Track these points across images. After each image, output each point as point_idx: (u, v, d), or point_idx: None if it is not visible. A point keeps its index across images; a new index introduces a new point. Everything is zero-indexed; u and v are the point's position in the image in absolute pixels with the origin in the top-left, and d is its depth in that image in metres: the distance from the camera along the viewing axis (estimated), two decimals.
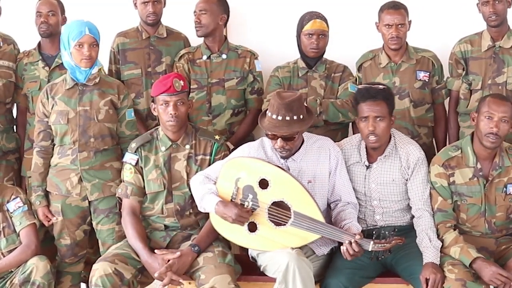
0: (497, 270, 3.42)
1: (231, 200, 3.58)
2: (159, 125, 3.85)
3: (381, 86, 3.70)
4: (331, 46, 4.30)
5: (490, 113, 3.56)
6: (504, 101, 3.60)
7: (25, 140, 4.47)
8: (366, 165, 3.77)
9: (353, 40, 4.65)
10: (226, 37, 4.50)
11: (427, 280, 3.45)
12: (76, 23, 3.86)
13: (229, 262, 3.59)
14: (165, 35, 4.50)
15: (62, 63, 4.31)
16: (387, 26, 4.12)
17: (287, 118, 3.51)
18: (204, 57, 4.43)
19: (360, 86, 3.78)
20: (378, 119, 3.64)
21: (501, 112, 3.55)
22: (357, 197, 3.78)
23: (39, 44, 4.48)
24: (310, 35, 4.18)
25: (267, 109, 3.62)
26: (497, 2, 4.06)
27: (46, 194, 4.00)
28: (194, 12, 4.38)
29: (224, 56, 4.44)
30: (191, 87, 4.38)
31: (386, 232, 3.43)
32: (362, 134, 3.72)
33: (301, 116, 3.54)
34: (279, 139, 3.55)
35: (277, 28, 4.71)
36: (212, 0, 4.38)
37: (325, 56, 4.29)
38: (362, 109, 3.66)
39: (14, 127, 4.55)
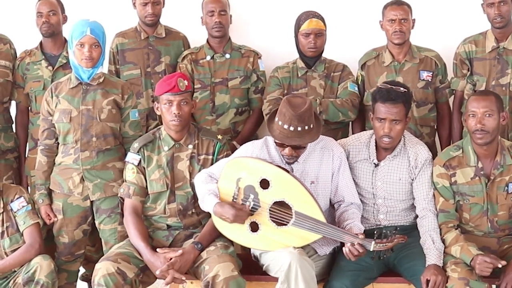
0: (482, 258, 3.40)
1: (233, 199, 3.58)
2: (160, 125, 3.86)
3: (402, 89, 3.66)
4: (331, 45, 4.30)
5: (472, 111, 3.59)
6: (485, 96, 3.62)
7: (29, 139, 4.48)
8: (374, 163, 3.76)
9: (353, 39, 4.65)
10: (229, 37, 4.50)
11: (428, 281, 3.45)
12: (80, 23, 3.87)
13: (231, 253, 3.62)
14: (164, 35, 4.51)
15: (65, 63, 4.36)
16: (390, 21, 4.14)
17: (299, 129, 3.50)
18: (208, 57, 4.44)
19: (381, 85, 3.72)
20: (395, 122, 3.63)
21: (482, 107, 3.56)
22: (362, 195, 3.78)
23: (40, 44, 4.49)
24: (307, 35, 4.18)
25: (274, 114, 3.61)
26: (502, 4, 4.06)
27: (50, 193, 4.01)
28: (211, 12, 4.35)
29: (227, 55, 4.45)
30: (195, 87, 4.39)
31: (388, 232, 3.43)
32: (376, 134, 3.71)
33: (312, 126, 3.54)
34: (288, 147, 3.56)
35: (279, 28, 4.68)
36: None
37: (324, 55, 4.29)
38: (380, 109, 3.64)
39: (13, 126, 4.56)
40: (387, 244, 3.41)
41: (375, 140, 3.77)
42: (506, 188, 3.65)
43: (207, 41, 4.49)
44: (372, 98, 3.73)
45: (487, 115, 3.55)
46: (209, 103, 4.42)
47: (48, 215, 4.00)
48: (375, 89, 3.81)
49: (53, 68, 4.42)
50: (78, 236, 4.02)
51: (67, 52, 4.28)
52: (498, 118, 3.59)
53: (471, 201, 3.66)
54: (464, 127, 4.23)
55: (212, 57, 4.45)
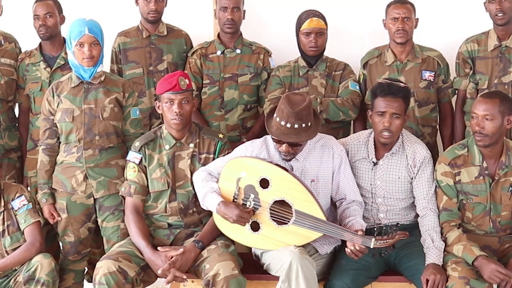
0: (496, 267, 3.41)
1: (233, 200, 3.58)
2: (163, 123, 3.86)
3: (402, 84, 3.70)
4: (333, 44, 4.29)
5: (474, 112, 3.58)
6: (488, 99, 3.58)
7: (28, 140, 4.47)
8: (373, 162, 3.75)
9: (356, 38, 4.65)
10: (241, 33, 4.49)
11: (427, 281, 3.44)
12: (77, 23, 3.87)
13: (232, 252, 3.62)
14: (165, 33, 4.51)
15: (63, 64, 4.36)
16: (393, 20, 4.14)
17: (296, 126, 3.49)
18: (219, 52, 4.44)
19: (381, 81, 3.75)
20: (395, 116, 3.63)
21: (482, 110, 3.54)
22: (361, 194, 3.76)
23: (40, 45, 4.48)
24: (308, 34, 4.17)
25: (274, 110, 3.60)
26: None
27: (52, 192, 4.01)
28: (224, 8, 4.33)
29: (238, 51, 4.44)
30: (203, 82, 4.40)
31: (388, 228, 3.44)
32: (375, 129, 3.70)
33: (309, 124, 3.53)
34: (285, 144, 3.55)
35: (289, 26, 4.54)
36: None
37: (326, 54, 4.27)
38: (380, 104, 3.65)
39: (17, 125, 4.55)
40: (387, 240, 3.40)
41: (374, 139, 3.76)
42: (510, 188, 3.64)
43: (218, 35, 4.48)
44: (372, 94, 3.73)
45: (486, 118, 3.54)
46: (217, 99, 4.42)
47: (52, 214, 4.00)
48: (375, 85, 3.81)
49: (51, 69, 4.41)
50: (84, 234, 4.02)
51: (65, 53, 4.29)
52: (501, 121, 3.55)
53: (475, 201, 3.65)
54: (467, 127, 4.25)
55: (223, 52, 4.45)
